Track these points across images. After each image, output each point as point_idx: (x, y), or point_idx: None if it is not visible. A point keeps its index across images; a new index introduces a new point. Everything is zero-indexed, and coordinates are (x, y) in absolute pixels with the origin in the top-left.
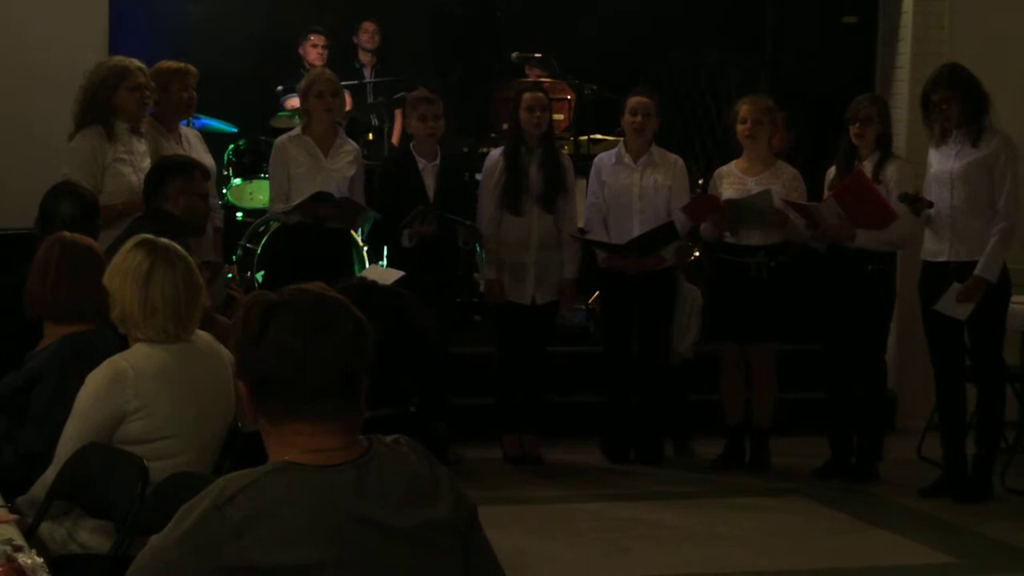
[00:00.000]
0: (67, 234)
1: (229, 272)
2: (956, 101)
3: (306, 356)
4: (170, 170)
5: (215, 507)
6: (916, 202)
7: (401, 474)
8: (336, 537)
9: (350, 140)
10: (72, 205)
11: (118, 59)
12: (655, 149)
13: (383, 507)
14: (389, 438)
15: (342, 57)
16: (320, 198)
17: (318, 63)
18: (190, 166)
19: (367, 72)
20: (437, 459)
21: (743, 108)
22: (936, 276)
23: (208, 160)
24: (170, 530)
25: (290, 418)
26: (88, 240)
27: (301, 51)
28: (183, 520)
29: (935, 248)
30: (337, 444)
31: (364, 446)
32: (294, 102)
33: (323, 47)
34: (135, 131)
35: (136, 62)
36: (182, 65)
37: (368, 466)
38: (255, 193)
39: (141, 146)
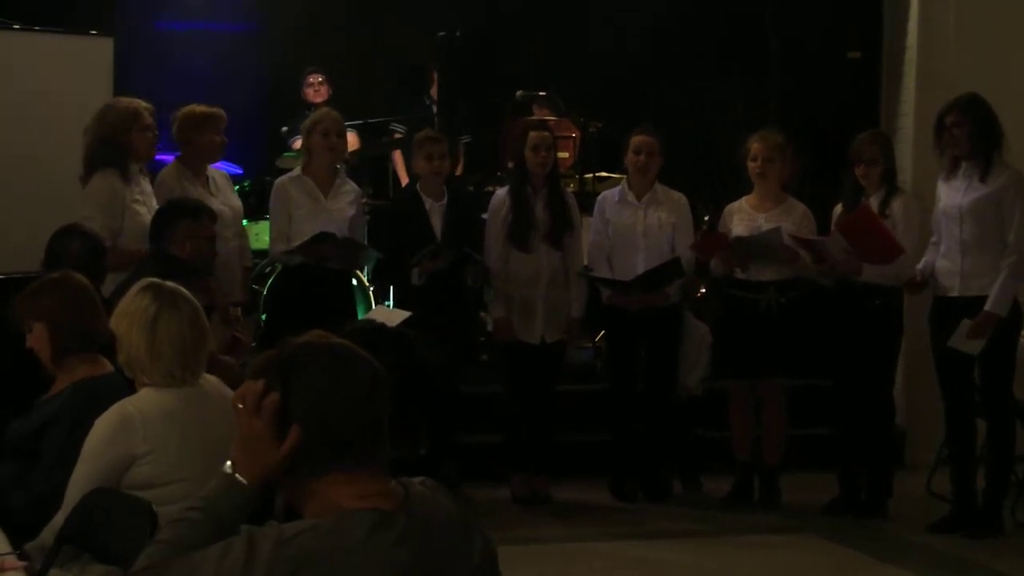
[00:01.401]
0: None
1: (239, 315)
2: (967, 127)
3: (345, 404)
4: (178, 213)
5: (277, 544)
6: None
7: (439, 520)
8: None
9: (350, 180)
10: (80, 245)
11: (126, 101)
12: (659, 187)
13: (428, 555)
14: (417, 480)
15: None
16: (322, 238)
17: (318, 100)
18: (198, 210)
19: None
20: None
21: (754, 145)
22: (947, 311)
23: (235, 201)
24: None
25: (332, 469)
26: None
27: (302, 94)
28: (240, 559)
29: (946, 283)
30: (377, 489)
31: (402, 492)
32: (300, 143)
33: (319, 84)
34: (143, 171)
35: (143, 103)
36: (213, 110)
37: (414, 514)
38: (261, 234)
39: (148, 186)
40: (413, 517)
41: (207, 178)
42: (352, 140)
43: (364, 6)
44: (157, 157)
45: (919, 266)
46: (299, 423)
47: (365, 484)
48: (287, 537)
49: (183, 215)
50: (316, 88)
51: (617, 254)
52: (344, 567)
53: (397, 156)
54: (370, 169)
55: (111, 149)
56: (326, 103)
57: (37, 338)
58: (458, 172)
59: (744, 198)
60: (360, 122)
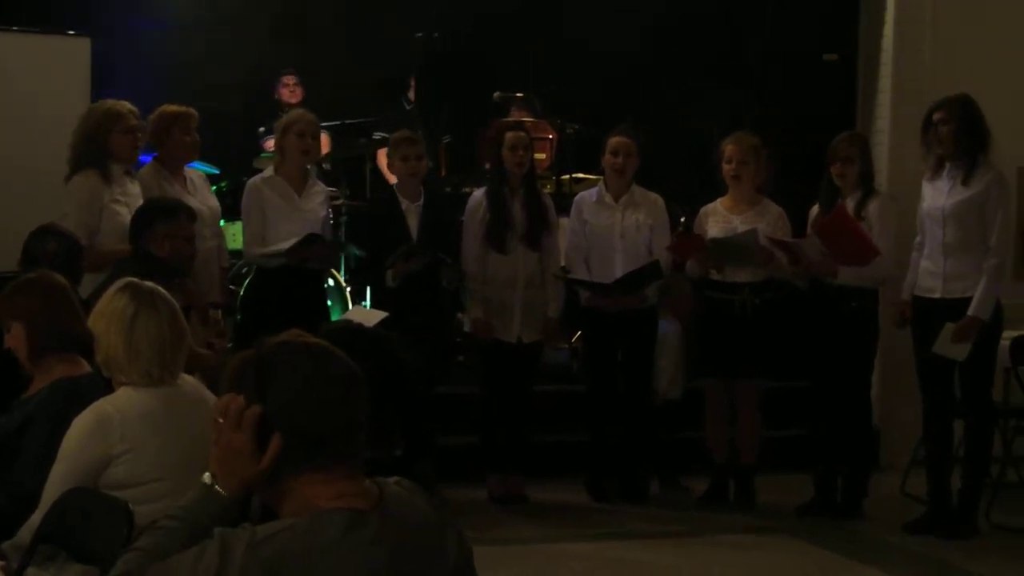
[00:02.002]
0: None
1: (220, 318)
2: (953, 124)
3: (321, 404)
4: (156, 213)
5: (249, 546)
6: None
7: (415, 520)
8: None
9: (320, 182)
10: (56, 245)
11: (110, 103)
12: (636, 188)
13: (403, 555)
14: (392, 480)
15: (317, 96)
16: (312, 240)
17: (292, 101)
18: (175, 209)
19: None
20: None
21: (728, 147)
22: (929, 312)
23: (212, 201)
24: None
25: (307, 468)
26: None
27: (276, 95)
28: (214, 562)
29: (929, 284)
30: (353, 489)
31: (377, 492)
32: (272, 143)
33: (294, 85)
34: (128, 173)
35: (127, 105)
36: (183, 109)
37: (388, 513)
38: (238, 234)
39: (135, 188)
40: (388, 517)
41: (185, 178)
42: (324, 142)
43: (341, 7)
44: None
45: (906, 283)
46: (278, 429)
47: (341, 484)
48: (260, 539)
49: (161, 214)
50: (292, 89)
51: (594, 255)
52: (319, 567)
53: (382, 155)
54: (346, 170)
55: (92, 149)
56: (300, 104)
57: (14, 337)
58: (442, 173)
59: (719, 200)
60: (337, 123)
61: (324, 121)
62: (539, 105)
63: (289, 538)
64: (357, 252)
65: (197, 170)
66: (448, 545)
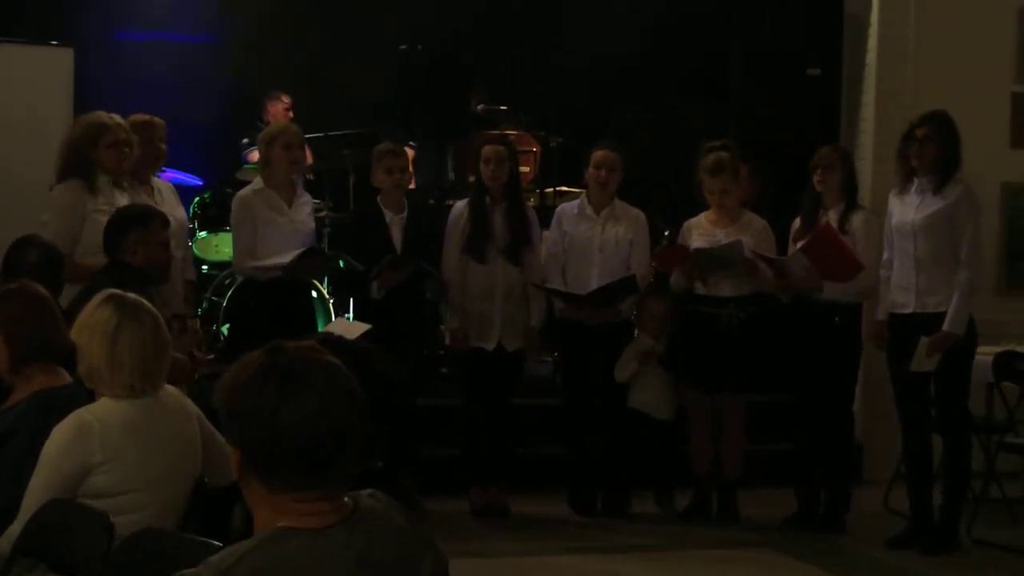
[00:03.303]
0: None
1: (197, 328)
2: (936, 144)
3: (308, 424)
4: (128, 221)
5: (220, 572)
6: None
7: (387, 534)
8: None
9: (307, 193)
10: (37, 255)
11: (97, 115)
12: (617, 203)
13: (372, 567)
14: (366, 493)
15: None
16: (314, 253)
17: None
18: (148, 216)
19: None
20: (406, 509)
21: (706, 178)
22: (903, 328)
23: (180, 212)
24: None
25: (285, 486)
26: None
27: (269, 110)
28: None
29: (902, 300)
30: (328, 507)
31: (350, 506)
32: (256, 155)
33: (285, 109)
34: (118, 184)
35: (116, 118)
36: (148, 118)
37: (357, 527)
38: (220, 246)
39: (123, 199)
40: (357, 529)
41: (152, 187)
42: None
43: (324, 19)
44: None
45: (880, 303)
46: (241, 444)
47: (318, 503)
48: (226, 567)
49: (132, 222)
50: (288, 108)
51: (572, 267)
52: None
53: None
54: (330, 183)
55: (77, 161)
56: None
57: None
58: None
59: (703, 214)
60: (320, 135)
61: (306, 133)
62: (523, 117)
63: (255, 559)
64: (356, 265)
65: (165, 181)
66: (423, 558)
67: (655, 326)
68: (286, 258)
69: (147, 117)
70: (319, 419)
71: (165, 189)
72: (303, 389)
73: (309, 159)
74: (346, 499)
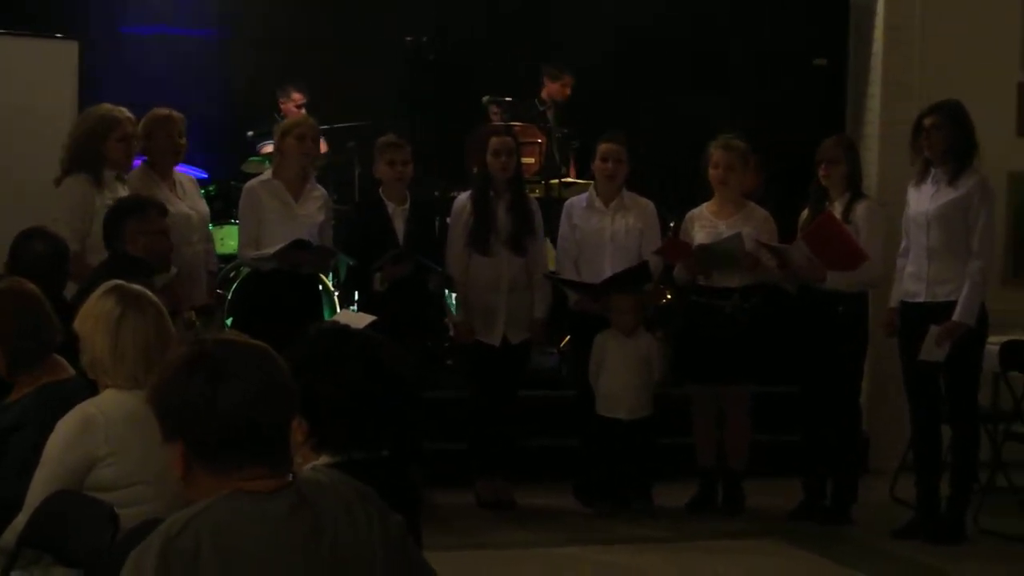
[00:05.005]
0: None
1: (195, 320)
2: (945, 131)
3: (248, 412)
4: (125, 212)
5: (167, 540)
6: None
7: (333, 501)
8: (277, 561)
9: (319, 186)
10: (43, 247)
11: (107, 108)
12: (626, 193)
13: (319, 530)
14: (308, 467)
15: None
16: (300, 245)
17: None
18: (144, 205)
19: None
20: (410, 503)
21: (716, 152)
22: (913, 317)
23: (201, 205)
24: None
25: (234, 466)
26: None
27: (282, 107)
28: (142, 563)
29: (913, 289)
30: (277, 481)
31: (296, 480)
32: (269, 148)
33: (297, 107)
34: (120, 178)
35: (124, 111)
36: (167, 112)
37: (304, 494)
38: (226, 239)
39: (125, 193)
40: (303, 497)
41: (174, 181)
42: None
43: (329, 12)
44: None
45: (893, 291)
46: (182, 439)
47: (261, 480)
48: (176, 531)
49: (129, 212)
50: (299, 106)
51: (584, 259)
52: (237, 540)
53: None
54: (334, 175)
55: (86, 154)
56: None
57: None
58: (572, 175)
59: (704, 205)
60: (325, 127)
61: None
62: (528, 109)
63: (204, 518)
64: (349, 261)
65: (187, 174)
66: (372, 522)
67: (626, 320)
68: (273, 249)
69: (167, 111)
70: (257, 396)
71: (187, 182)
72: (234, 371)
73: (324, 149)
74: (287, 476)
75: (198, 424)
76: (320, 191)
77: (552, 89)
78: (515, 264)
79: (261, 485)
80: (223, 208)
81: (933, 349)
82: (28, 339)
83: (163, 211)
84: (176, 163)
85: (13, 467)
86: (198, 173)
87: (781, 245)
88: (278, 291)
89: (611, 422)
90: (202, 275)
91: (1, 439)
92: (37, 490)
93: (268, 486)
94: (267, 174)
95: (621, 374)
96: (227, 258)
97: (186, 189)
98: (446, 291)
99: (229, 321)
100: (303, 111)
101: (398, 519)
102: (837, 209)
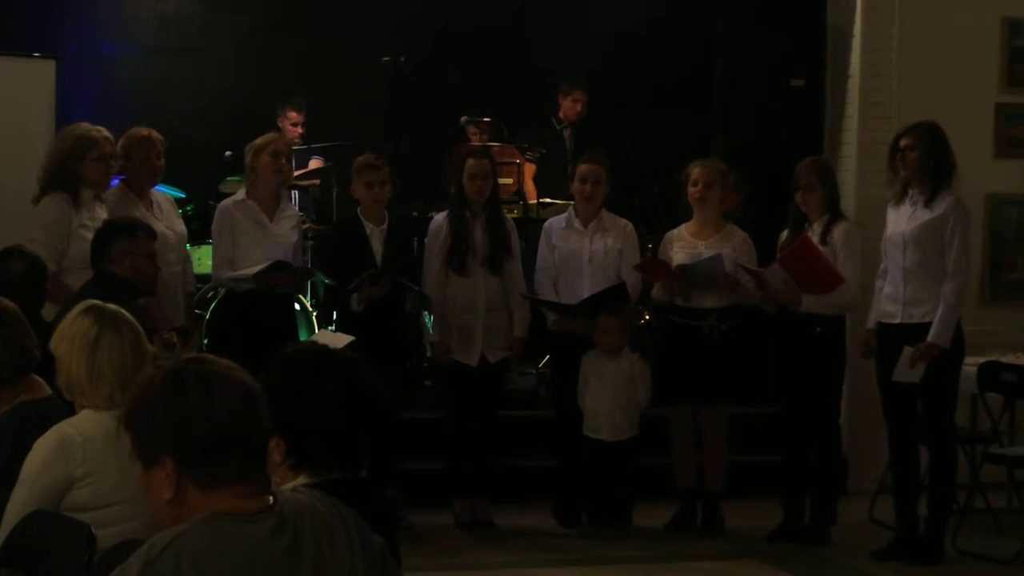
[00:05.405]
0: None
1: (175, 340)
2: (920, 151)
3: (239, 420)
4: (114, 232)
5: (146, 563)
6: None
7: (314, 521)
8: None
9: (292, 205)
10: (20, 265)
11: (85, 128)
12: (605, 214)
13: (301, 552)
14: (289, 487)
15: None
16: (279, 267)
17: (295, 139)
18: (134, 227)
19: None
20: (389, 524)
21: (695, 171)
22: (890, 338)
23: (179, 225)
24: None
25: (225, 480)
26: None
27: (279, 125)
28: None
29: (890, 310)
30: (260, 500)
31: (276, 499)
32: (316, 163)
33: (292, 125)
34: (98, 198)
35: (103, 131)
36: (147, 133)
37: (285, 515)
38: (203, 259)
39: (103, 213)
40: (284, 518)
41: (151, 201)
42: (314, 165)
43: (307, 31)
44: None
45: (871, 311)
46: (171, 454)
47: (247, 498)
48: (156, 554)
49: (118, 233)
50: (295, 124)
51: (563, 280)
52: (217, 562)
53: (528, 172)
54: (304, 194)
55: (63, 174)
56: (299, 139)
57: None
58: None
59: (683, 225)
60: (304, 146)
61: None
62: (505, 129)
63: (185, 541)
64: (326, 281)
65: (164, 193)
66: (352, 544)
67: (611, 341)
68: (254, 269)
69: (146, 132)
70: (244, 409)
71: (164, 202)
72: (223, 386)
73: (319, 164)
74: (268, 496)
75: (192, 434)
76: (293, 210)
77: (565, 106)
78: (492, 284)
79: (243, 506)
80: (200, 228)
81: (907, 371)
82: (7, 353)
83: (152, 234)
84: (154, 184)
85: None
86: (175, 193)
87: (758, 269)
88: (254, 311)
89: (595, 442)
90: (179, 295)
91: None
92: (14, 510)
93: (249, 507)
94: (240, 194)
95: (606, 395)
96: (206, 278)
97: (163, 209)
98: (424, 311)
99: (205, 342)
100: (299, 129)
101: (379, 540)
102: (816, 231)
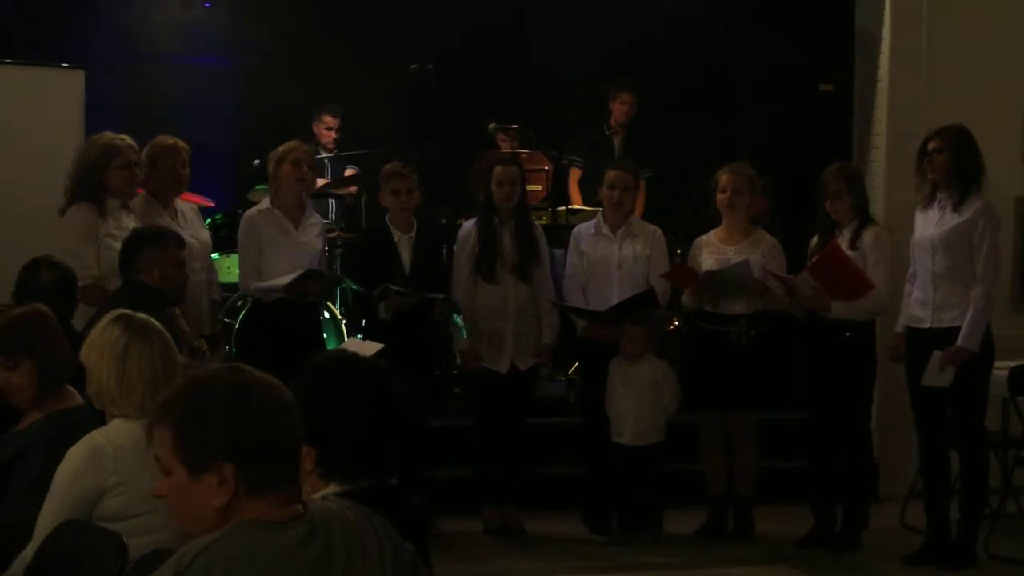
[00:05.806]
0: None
1: (205, 347)
2: (948, 154)
3: (285, 427)
4: (142, 241)
5: (177, 573)
6: None
7: (344, 529)
8: None
9: (316, 213)
10: (51, 275)
11: (109, 137)
12: (633, 220)
13: (327, 561)
14: (318, 496)
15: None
16: (310, 275)
17: (324, 141)
18: (163, 236)
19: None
20: (419, 532)
21: (723, 177)
22: (919, 342)
23: (204, 234)
24: None
25: (273, 484)
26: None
27: (314, 131)
28: None
29: (920, 315)
30: (294, 508)
31: (307, 507)
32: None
33: (327, 129)
34: (125, 207)
35: (127, 139)
36: (172, 141)
37: (316, 523)
38: (232, 267)
39: (130, 222)
40: (315, 526)
41: (175, 210)
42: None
43: (335, 41)
44: None
45: (900, 316)
46: (231, 461)
47: (284, 506)
48: (187, 564)
49: (147, 242)
50: (330, 128)
51: (592, 286)
52: (248, 569)
53: (573, 177)
54: (341, 203)
55: (89, 183)
56: (333, 145)
57: (23, 374)
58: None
59: (712, 231)
60: (329, 155)
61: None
62: (534, 136)
63: (217, 550)
64: (355, 287)
65: (189, 203)
66: (383, 552)
67: (634, 348)
68: (285, 280)
69: (171, 141)
70: (289, 417)
71: (189, 211)
72: (274, 394)
73: (353, 172)
74: (298, 506)
75: (253, 440)
76: (317, 218)
77: (615, 110)
78: (521, 291)
79: (275, 514)
80: (228, 237)
81: (937, 375)
82: (50, 362)
83: (180, 243)
84: (179, 193)
85: (21, 492)
86: (204, 202)
87: (787, 276)
88: (285, 321)
89: (621, 448)
90: (204, 304)
91: (10, 466)
92: (46, 521)
93: (280, 515)
94: (265, 202)
95: (630, 399)
96: (234, 287)
97: (187, 217)
98: (454, 316)
99: (234, 351)
100: (333, 134)
101: (410, 548)
102: (845, 236)
